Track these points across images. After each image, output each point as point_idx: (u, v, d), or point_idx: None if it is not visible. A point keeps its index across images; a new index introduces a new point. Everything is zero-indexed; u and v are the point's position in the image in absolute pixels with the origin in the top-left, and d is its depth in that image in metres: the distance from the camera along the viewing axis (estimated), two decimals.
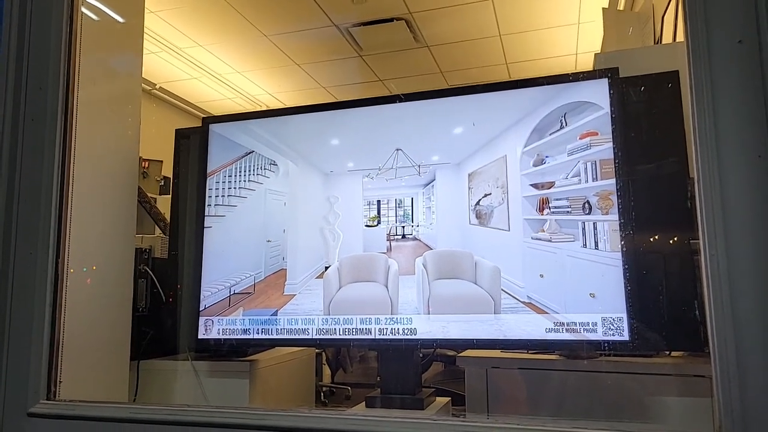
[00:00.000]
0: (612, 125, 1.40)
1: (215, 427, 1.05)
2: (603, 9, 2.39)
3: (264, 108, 6.22)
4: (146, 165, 3.45)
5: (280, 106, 6.23)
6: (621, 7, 2.97)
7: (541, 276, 1.45)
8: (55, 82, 1.28)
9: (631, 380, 1.46)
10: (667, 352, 1.51)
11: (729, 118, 0.88)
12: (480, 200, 1.54)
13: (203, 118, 1.80)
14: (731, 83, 0.88)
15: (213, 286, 1.68)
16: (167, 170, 3.49)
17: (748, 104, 0.87)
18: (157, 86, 5.41)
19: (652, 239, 1.38)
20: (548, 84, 1.48)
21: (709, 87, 0.90)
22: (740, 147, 0.87)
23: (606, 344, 1.36)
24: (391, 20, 4.34)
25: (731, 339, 0.85)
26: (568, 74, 1.46)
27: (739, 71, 0.88)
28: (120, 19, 1.80)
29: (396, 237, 1.63)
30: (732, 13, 0.89)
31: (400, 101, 1.61)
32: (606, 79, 1.43)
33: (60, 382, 1.27)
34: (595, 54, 1.77)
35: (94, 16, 1.68)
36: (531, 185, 1.49)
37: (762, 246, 0.84)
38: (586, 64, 4.75)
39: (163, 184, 3.51)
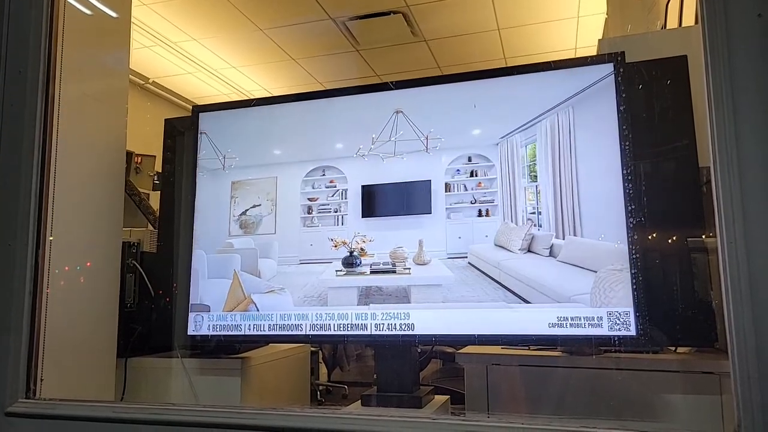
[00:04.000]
0: (618, 111, 1.35)
1: (202, 427, 1.00)
2: None
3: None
4: (139, 160, 3.40)
5: None
6: None
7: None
8: (35, 65, 1.24)
9: (636, 377, 1.42)
10: (673, 349, 1.47)
11: (749, 98, 0.84)
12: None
13: (193, 107, 1.74)
14: (752, 60, 0.84)
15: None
16: (160, 166, 3.43)
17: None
18: (150, 81, 5.35)
19: (660, 231, 1.33)
20: (556, 69, 1.42)
21: (727, 66, 0.85)
22: (762, 129, 0.82)
23: (612, 339, 1.31)
24: (388, 14, 4.30)
25: (751, 332, 0.81)
26: (575, 58, 1.41)
27: (760, 46, 0.83)
28: (106, 10, 1.75)
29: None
30: None
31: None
32: (612, 64, 1.37)
33: (41, 380, 1.23)
34: (599, 40, 1.72)
35: (78, 5, 1.62)
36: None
37: None
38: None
39: (157, 179, 3.46)
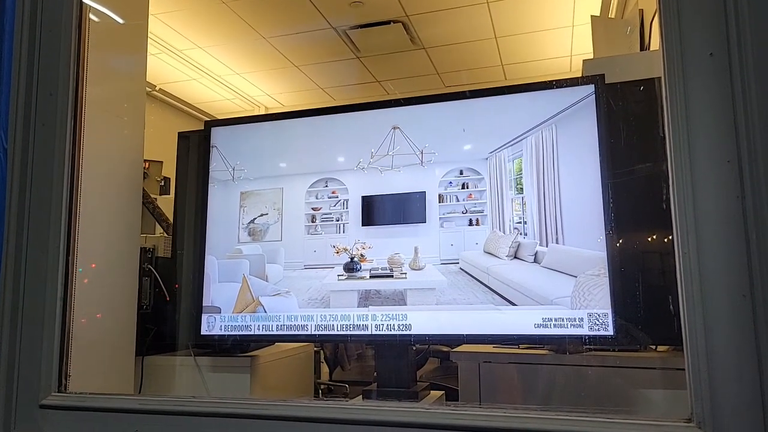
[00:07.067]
0: (598, 129, 1.46)
1: (220, 417, 1.10)
2: (592, 17, 2.45)
3: (263, 108, 6.27)
4: (147, 166, 3.50)
5: (279, 107, 6.28)
6: (612, 14, 3.02)
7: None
8: (65, 87, 1.32)
9: (618, 373, 1.52)
10: (654, 347, 1.58)
11: (700, 125, 0.94)
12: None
13: (205, 121, 1.86)
14: (702, 93, 0.94)
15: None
16: (167, 171, 3.56)
17: (717, 113, 0.93)
18: (157, 88, 5.46)
19: (636, 240, 1.44)
20: (535, 90, 1.54)
21: (682, 96, 0.96)
22: (710, 152, 0.93)
23: (592, 339, 1.42)
24: (388, 23, 4.39)
25: (701, 332, 0.91)
26: (560, 80, 1.51)
27: (710, 82, 0.94)
28: (125, 23, 1.85)
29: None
30: (704, 28, 0.96)
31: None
32: (592, 85, 1.49)
33: (69, 376, 1.32)
34: (584, 60, 1.83)
35: (100, 21, 1.72)
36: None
37: (730, 244, 0.90)
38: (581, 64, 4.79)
39: (163, 184, 3.56)
